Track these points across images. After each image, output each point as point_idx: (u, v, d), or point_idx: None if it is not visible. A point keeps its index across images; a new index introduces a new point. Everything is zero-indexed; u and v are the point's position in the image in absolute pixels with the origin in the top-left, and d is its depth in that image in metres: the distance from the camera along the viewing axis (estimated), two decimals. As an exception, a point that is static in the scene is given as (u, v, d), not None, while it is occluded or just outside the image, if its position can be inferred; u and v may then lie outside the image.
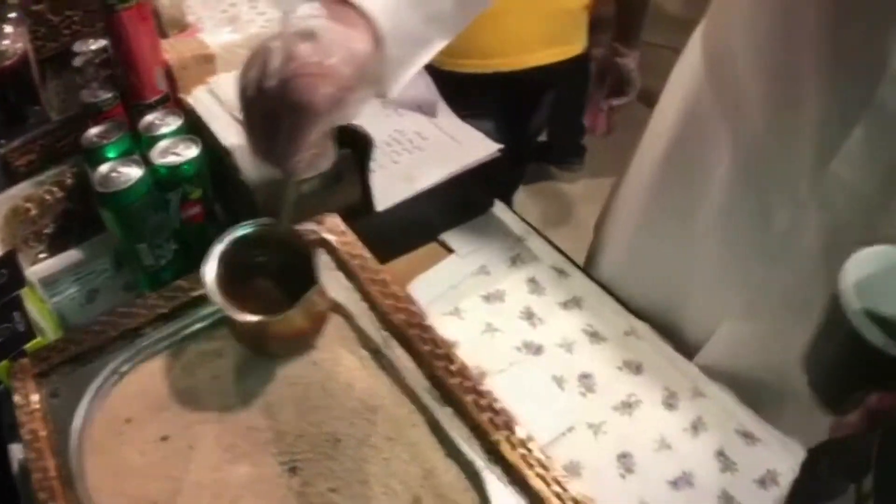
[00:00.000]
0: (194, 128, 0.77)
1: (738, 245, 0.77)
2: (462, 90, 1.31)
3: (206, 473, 0.59)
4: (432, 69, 1.39)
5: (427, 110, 0.86)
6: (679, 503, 0.70)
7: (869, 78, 0.57)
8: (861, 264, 0.49)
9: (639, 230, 0.90)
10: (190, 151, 0.74)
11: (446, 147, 0.83)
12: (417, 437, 0.59)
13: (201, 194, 0.77)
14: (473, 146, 0.82)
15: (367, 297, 0.64)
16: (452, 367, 0.60)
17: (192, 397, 0.64)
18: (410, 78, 0.60)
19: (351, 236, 0.68)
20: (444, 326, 0.79)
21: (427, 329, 0.61)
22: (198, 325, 0.67)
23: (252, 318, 0.59)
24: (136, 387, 0.66)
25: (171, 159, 0.74)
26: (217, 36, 1.00)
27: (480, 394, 0.58)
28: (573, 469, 0.71)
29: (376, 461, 0.58)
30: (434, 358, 0.60)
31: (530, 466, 0.56)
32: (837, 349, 0.50)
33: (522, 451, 0.57)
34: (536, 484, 0.55)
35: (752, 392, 0.81)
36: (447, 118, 0.87)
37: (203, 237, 0.71)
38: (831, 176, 0.63)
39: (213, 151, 0.76)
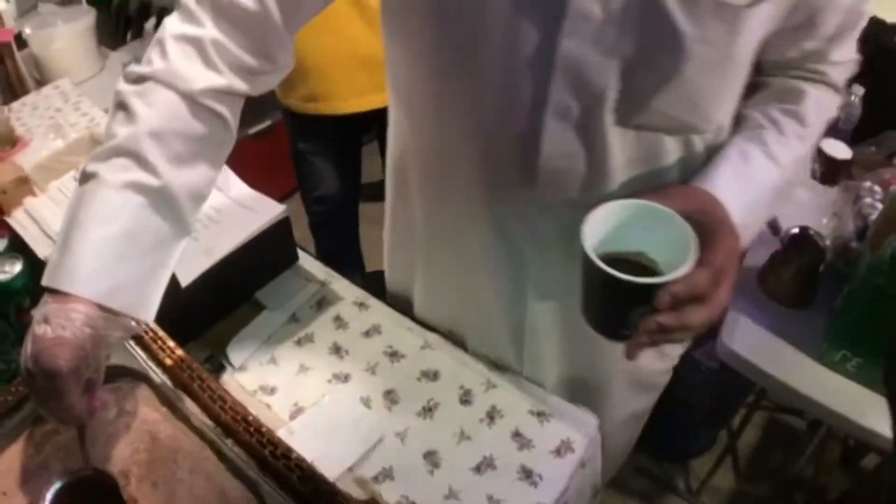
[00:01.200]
0: (19, 245, 0.90)
1: (504, 280, 0.85)
2: (312, 129, 1.56)
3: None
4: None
5: (219, 184, 0.95)
6: (483, 485, 0.81)
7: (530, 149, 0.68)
8: (597, 220, 0.61)
9: (421, 264, 0.96)
10: (15, 268, 0.87)
11: (239, 216, 0.93)
12: (210, 466, 0.72)
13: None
14: (263, 211, 0.94)
15: (159, 363, 0.77)
16: (226, 406, 0.72)
17: (43, 469, 0.76)
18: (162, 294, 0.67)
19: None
20: (263, 375, 0.92)
21: (204, 380, 0.74)
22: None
23: None
24: (4, 466, 0.78)
25: (0, 278, 0.87)
26: (44, 145, 1.14)
27: (248, 423, 0.71)
28: (387, 474, 0.82)
29: (183, 492, 0.71)
30: (211, 401, 0.73)
31: (291, 471, 0.69)
32: (596, 291, 0.61)
33: (284, 461, 0.69)
34: (299, 486, 0.68)
35: (581, 385, 0.92)
36: (237, 187, 0.98)
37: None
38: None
39: (36, 264, 0.89)
